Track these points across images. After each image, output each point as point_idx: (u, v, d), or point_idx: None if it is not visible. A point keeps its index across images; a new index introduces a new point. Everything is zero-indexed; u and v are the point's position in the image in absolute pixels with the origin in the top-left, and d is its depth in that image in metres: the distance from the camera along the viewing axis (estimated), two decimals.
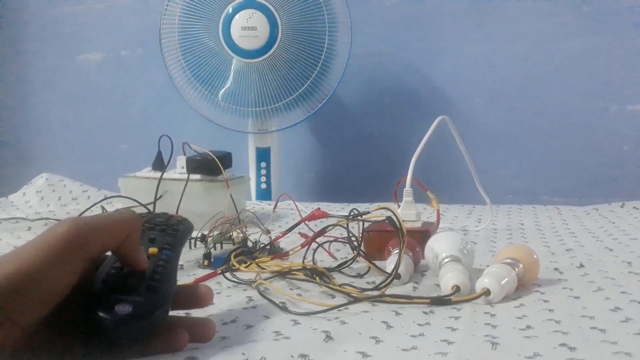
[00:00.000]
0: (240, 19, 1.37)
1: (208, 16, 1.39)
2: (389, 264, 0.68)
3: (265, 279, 0.65)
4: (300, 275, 0.67)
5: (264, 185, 1.55)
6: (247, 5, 1.38)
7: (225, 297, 0.61)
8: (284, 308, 0.56)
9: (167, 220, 0.52)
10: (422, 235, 0.79)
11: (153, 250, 0.46)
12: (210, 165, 1.04)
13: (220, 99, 1.42)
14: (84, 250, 0.39)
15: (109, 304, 0.39)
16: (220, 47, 1.39)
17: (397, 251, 0.66)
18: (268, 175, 1.55)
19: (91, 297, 0.40)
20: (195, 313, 0.51)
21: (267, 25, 1.38)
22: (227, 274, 0.67)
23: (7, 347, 0.36)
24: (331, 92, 1.48)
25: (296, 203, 1.05)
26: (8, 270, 0.36)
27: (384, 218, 0.67)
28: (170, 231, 0.50)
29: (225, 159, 1.07)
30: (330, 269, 0.71)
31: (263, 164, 1.55)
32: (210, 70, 1.41)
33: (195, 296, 0.47)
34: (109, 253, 0.45)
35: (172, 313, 0.44)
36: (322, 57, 1.44)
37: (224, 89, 1.42)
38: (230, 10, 1.38)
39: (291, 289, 0.64)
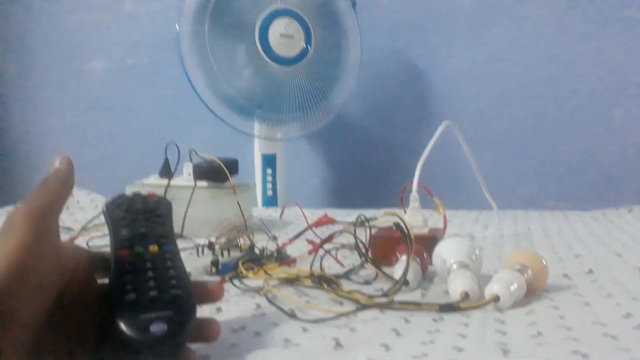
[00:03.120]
0: (278, 26, 1.39)
1: (243, 21, 1.39)
2: (396, 271, 0.68)
3: (273, 286, 0.65)
4: (308, 282, 0.66)
5: (270, 192, 1.55)
6: (283, 13, 1.40)
7: (234, 304, 0.61)
8: (292, 315, 0.55)
9: (146, 205, 0.50)
10: (430, 241, 0.78)
11: (154, 248, 0.44)
12: (217, 172, 1.04)
13: (251, 103, 1.43)
14: (45, 216, 0.40)
15: (142, 324, 0.38)
16: (256, 52, 1.39)
17: (405, 257, 0.66)
18: (274, 182, 1.55)
19: (116, 314, 0.39)
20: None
21: (302, 34, 1.42)
22: (235, 281, 0.67)
23: (18, 349, 0.36)
24: (343, 102, 1.53)
25: (303, 210, 1.05)
26: None
27: (391, 224, 0.67)
28: (155, 218, 0.48)
29: (232, 166, 1.07)
30: (337, 276, 0.70)
31: (269, 171, 1.55)
32: (245, 77, 1.41)
33: (206, 292, 0.46)
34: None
35: None
36: (347, 70, 1.50)
37: (255, 93, 1.43)
38: (267, 15, 1.39)
39: (299, 296, 0.64)
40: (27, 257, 0.37)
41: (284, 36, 1.39)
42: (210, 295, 0.47)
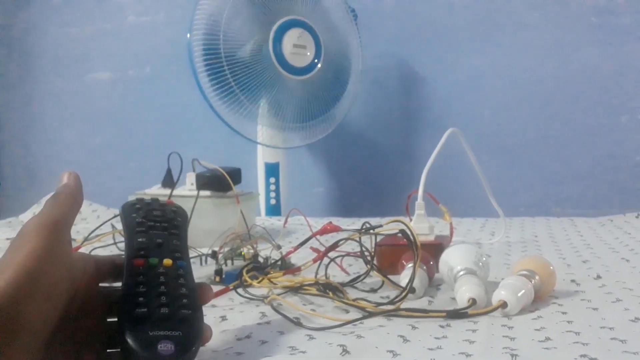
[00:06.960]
0: (292, 36, 1.42)
1: (256, 29, 1.41)
2: (403, 278, 0.67)
3: (277, 295, 0.65)
4: (313, 290, 0.66)
5: (273, 201, 1.55)
6: (296, 24, 1.43)
7: (239, 312, 0.60)
8: (298, 323, 0.55)
9: (164, 213, 0.49)
10: (436, 248, 0.78)
11: (167, 262, 0.44)
12: (220, 181, 1.03)
13: (261, 112, 1.44)
14: (57, 227, 0.40)
15: (150, 341, 0.38)
16: (270, 61, 1.41)
17: (411, 265, 0.65)
18: (277, 191, 1.55)
19: (125, 327, 0.39)
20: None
21: (313, 45, 1.45)
22: (240, 290, 0.67)
23: (28, 356, 0.36)
24: (345, 113, 1.55)
25: (307, 218, 1.04)
26: (10, 277, 0.36)
27: (397, 231, 0.66)
28: (172, 229, 0.47)
29: (235, 175, 1.07)
30: (343, 284, 0.70)
31: (272, 180, 1.55)
32: (257, 83, 1.42)
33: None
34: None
35: None
36: (349, 81, 1.53)
37: (264, 102, 1.44)
38: (281, 24, 1.42)
39: (304, 304, 0.63)
40: (39, 266, 0.37)
41: (297, 46, 1.42)
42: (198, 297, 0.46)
